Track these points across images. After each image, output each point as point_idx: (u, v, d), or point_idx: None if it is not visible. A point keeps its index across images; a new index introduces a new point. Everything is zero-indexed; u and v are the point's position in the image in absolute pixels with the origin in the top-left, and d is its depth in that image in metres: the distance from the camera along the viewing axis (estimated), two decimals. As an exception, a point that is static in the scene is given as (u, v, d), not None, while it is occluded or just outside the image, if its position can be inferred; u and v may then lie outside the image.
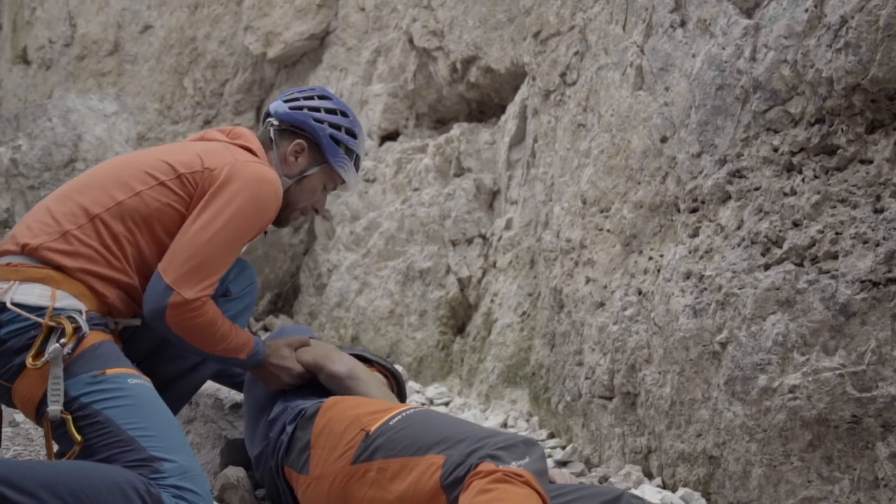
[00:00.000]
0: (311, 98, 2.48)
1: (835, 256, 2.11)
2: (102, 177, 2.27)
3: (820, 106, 2.18)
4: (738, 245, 2.31)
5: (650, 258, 2.60)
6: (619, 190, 2.74)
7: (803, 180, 2.22)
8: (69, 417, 2.02)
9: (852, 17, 2.10)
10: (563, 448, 2.77)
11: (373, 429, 1.92)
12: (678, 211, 2.52)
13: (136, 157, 2.32)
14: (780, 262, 2.22)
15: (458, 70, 4.11)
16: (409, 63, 4.48)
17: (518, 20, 3.85)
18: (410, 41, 4.40)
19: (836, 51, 2.14)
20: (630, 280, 2.64)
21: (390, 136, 4.58)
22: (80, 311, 2.13)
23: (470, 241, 3.82)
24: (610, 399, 2.66)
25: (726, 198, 2.38)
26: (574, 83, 3.20)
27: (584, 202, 2.89)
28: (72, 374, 2.07)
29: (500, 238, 3.64)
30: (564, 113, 3.21)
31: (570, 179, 3.05)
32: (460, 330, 3.83)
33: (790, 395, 2.10)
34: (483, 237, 3.79)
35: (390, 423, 1.91)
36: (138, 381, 2.11)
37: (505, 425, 3.03)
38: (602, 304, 2.74)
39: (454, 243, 3.86)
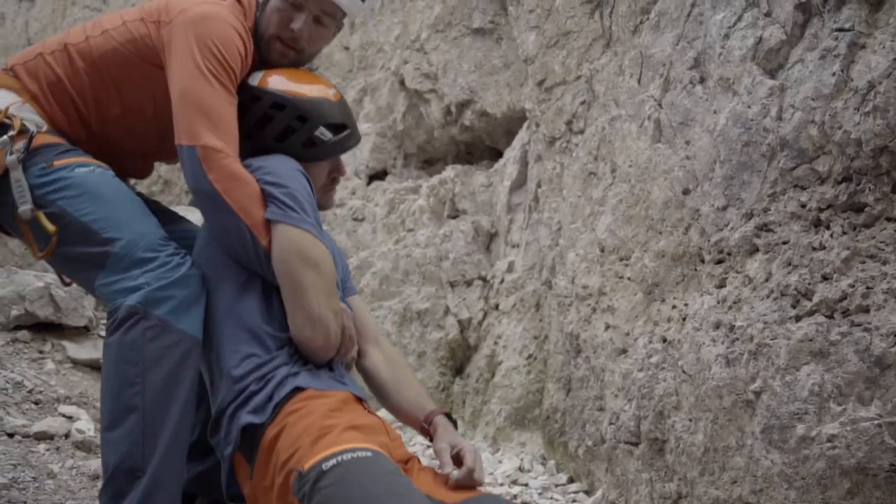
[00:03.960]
0: None
1: (867, 310, 2.21)
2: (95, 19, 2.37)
3: (847, 165, 2.29)
4: (768, 297, 2.40)
5: (674, 307, 2.68)
6: (640, 239, 2.82)
7: (832, 236, 2.32)
8: (39, 213, 2.06)
9: (880, 83, 2.22)
10: (587, 493, 2.82)
11: (305, 467, 1.89)
12: (702, 262, 2.61)
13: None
14: (810, 314, 2.31)
15: (453, 113, 4.17)
16: (397, 103, 4.52)
17: (515, 66, 3.93)
18: (401, 82, 4.45)
19: (864, 114, 2.25)
20: (654, 328, 2.71)
21: (378, 176, 4.61)
22: (35, 124, 2.18)
23: (469, 283, 3.86)
24: (636, 445, 2.72)
25: (754, 250, 2.47)
26: (582, 132, 3.28)
27: (602, 250, 2.96)
28: (24, 169, 2.11)
29: (501, 280, 3.69)
30: (572, 161, 3.29)
31: (582, 226, 3.12)
32: (459, 371, 3.86)
33: (829, 444, 2.18)
34: (483, 279, 3.84)
35: (322, 466, 1.88)
36: (87, 169, 2.15)
37: (521, 469, 3.08)
38: (624, 351, 2.80)
39: (453, 284, 3.91)
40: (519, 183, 3.78)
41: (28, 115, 2.19)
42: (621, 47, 3.09)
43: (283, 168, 2.20)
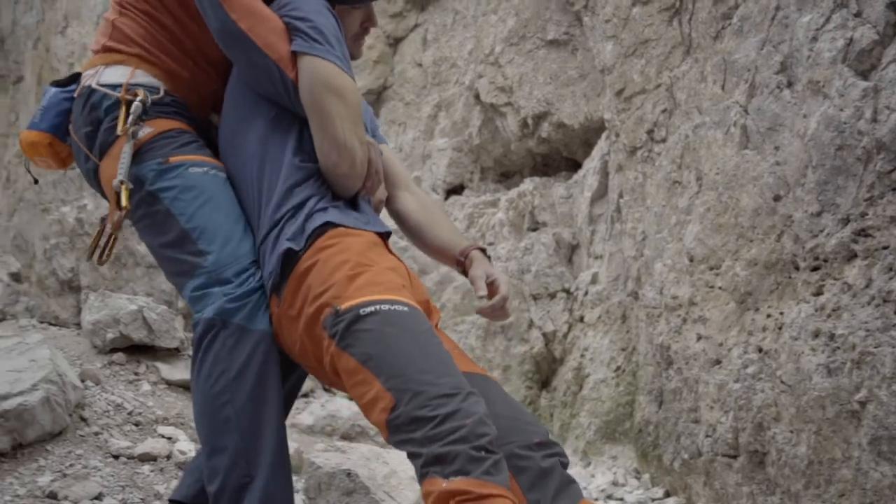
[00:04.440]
0: None
1: (975, 315, 2.15)
2: None
3: (948, 166, 2.23)
4: (869, 303, 2.34)
5: (768, 315, 2.63)
6: (730, 248, 2.78)
7: (934, 239, 2.26)
8: (124, 188, 2.12)
9: (981, 81, 2.16)
10: (686, 507, 2.78)
11: (343, 307, 1.93)
12: (797, 269, 2.56)
13: None
14: (916, 320, 2.25)
15: (529, 125, 4.17)
16: (472, 118, 4.54)
17: (591, 76, 3.91)
18: (476, 97, 4.47)
19: (964, 113, 2.19)
20: (748, 338, 2.66)
21: (455, 190, 4.63)
22: (157, 89, 2.24)
23: (553, 296, 3.85)
24: (735, 457, 2.67)
25: (852, 256, 2.41)
26: (664, 140, 3.25)
27: (690, 259, 2.92)
28: (141, 160, 2.17)
29: (586, 292, 3.67)
30: (655, 170, 3.26)
31: (669, 236, 3.09)
32: (545, 384, 3.85)
33: (942, 455, 2.12)
34: (566, 291, 3.82)
35: (360, 311, 1.91)
36: (200, 170, 2.18)
37: (615, 483, 3.05)
38: (718, 362, 2.76)
39: (536, 297, 3.89)
40: (600, 194, 3.76)
41: (145, 80, 2.25)
42: (702, 54, 3.05)
43: (307, 4, 2.21)
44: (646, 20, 3.37)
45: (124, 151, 2.15)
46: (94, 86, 2.24)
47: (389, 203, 2.39)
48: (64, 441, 2.88)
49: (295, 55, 2.14)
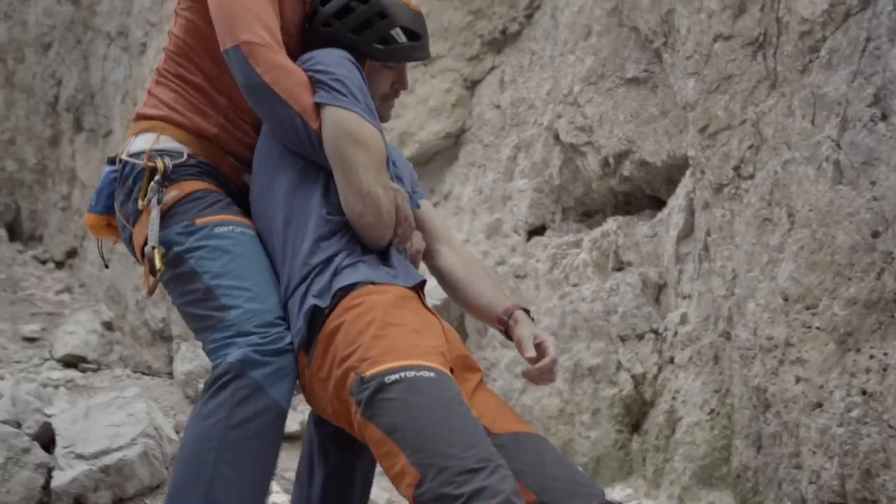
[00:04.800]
0: None
1: None
2: None
3: None
4: (981, 343, 2.25)
5: (871, 356, 2.54)
6: (827, 286, 2.70)
7: None
8: (157, 252, 2.12)
9: None
10: (791, 557, 2.69)
11: (367, 374, 1.89)
12: (900, 308, 2.47)
13: None
14: None
15: (611, 164, 4.14)
16: (552, 158, 4.52)
17: (673, 113, 3.87)
18: (555, 137, 4.45)
19: None
20: (851, 380, 2.57)
21: (537, 231, 4.61)
22: (180, 153, 2.27)
23: (641, 337, 3.79)
24: (842, 505, 2.58)
25: (959, 294, 2.32)
26: (751, 177, 3.19)
27: (785, 299, 2.85)
28: (167, 224, 2.19)
29: (675, 333, 3.60)
30: (744, 207, 3.19)
31: (760, 275, 3.01)
32: (636, 428, 3.78)
33: None
34: (655, 332, 3.76)
35: (385, 379, 1.87)
36: (226, 229, 2.19)
37: (715, 531, 2.97)
38: (819, 405, 2.67)
39: (623, 339, 3.84)
40: (686, 232, 3.70)
41: (168, 146, 2.30)
42: (789, 88, 2.99)
43: (329, 57, 2.24)
44: (728, 55, 3.33)
45: (152, 216, 2.18)
46: (123, 157, 2.31)
47: (429, 259, 2.36)
48: (162, 494, 2.93)
49: (318, 107, 2.16)
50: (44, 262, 8.66)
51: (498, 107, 4.99)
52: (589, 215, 4.49)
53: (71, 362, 5.19)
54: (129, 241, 2.33)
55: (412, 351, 1.93)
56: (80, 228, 8.38)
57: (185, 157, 2.28)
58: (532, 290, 4.39)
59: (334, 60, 2.23)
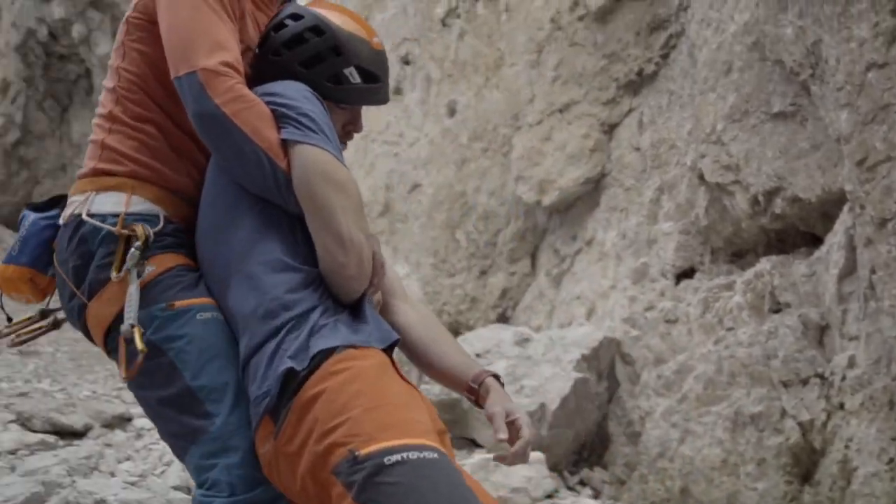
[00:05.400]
0: None
1: None
2: None
3: None
4: None
5: None
6: None
7: None
8: (137, 331, 1.90)
9: None
10: None
11: (362, 453, 1.70)
12: None
13: None
14: None
15: (761, 202, 4.00)
16: (698, 199, 4.41)
17: (825, 147, 3.71)
18: (700, 177, 4.35)
19: None
20: None
21: (685, 274, 4.49)
22: (156, 218, 2.04)
23: (805, 382, 3.61)
24: None
25: None
26: (918, 210, 3.02)
27: (967, 341, 2.66)
28: (146, 303, 1.97)
29: (843, 377, 3.42)
30: (911, 242, 3.02)
31: (936, 315, 2.83)
32: (806, 478, 3.59)
33: None
34: (820, 376, 3.58)
35: (385, 460, 1.68)
36: (208, 315, 1.98)
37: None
38: None
39: (786, 384, 3.67)
40: (848, 270, 3.52)
41: (142, 208, 2.07)
42: (954, 115, 2.83)
43: (293, 91, 2.03)
44: (884, 84, 3.18)
45: (131, 293, 1.95)
46: (84, 216, 2.05)
47: (386, 314, 2.13)
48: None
49: (286, 144, 1.94)
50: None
51: (638, 149, 4.91)
52: (739, 255, 4.35)
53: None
54: (78, 311, 2.08)
55: (412, 428, 1.76)
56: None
57: (161, 222, 2.05)
58: (684, 335, 4.27)
59: (299, 94, 2.03)
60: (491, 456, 4.13)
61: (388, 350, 1.94)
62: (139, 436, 5.14)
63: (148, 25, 2.09)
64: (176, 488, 3.22)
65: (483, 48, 5.95)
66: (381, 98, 2.22)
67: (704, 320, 4.18)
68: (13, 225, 10.57)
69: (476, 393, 2.01)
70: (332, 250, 1.91)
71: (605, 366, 4.63)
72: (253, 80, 2.09)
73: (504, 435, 1.91)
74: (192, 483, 3.30)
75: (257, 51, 2.18)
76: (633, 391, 4.53)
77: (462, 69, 6.09)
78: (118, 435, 5.06)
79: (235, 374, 1.95)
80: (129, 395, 5.86)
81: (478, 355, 4.75)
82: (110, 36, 10.20)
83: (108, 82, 2.16)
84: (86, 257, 2.04)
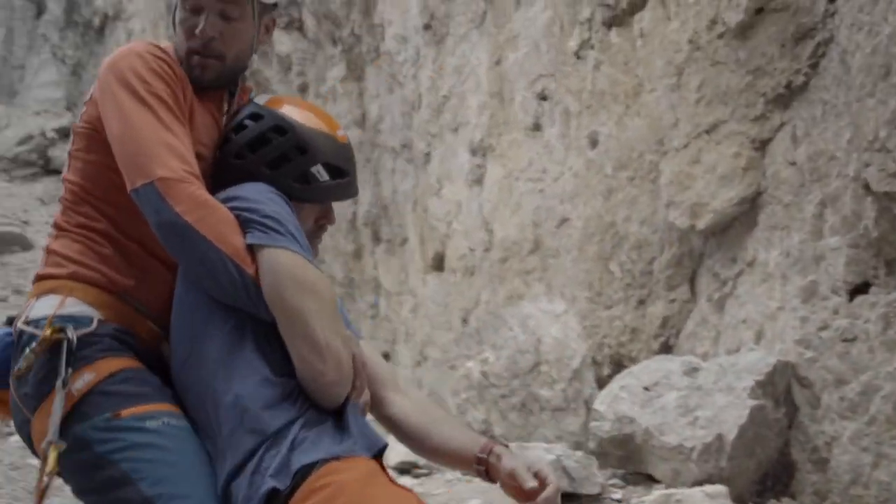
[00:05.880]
0: None
1: None
2: None
3: None
4: None
5: None
6: None
7: None
8: (53, 448, 1.79)
9: None
10: None
11: None
12: None
13: None
14: None
15: (936, 209, 3.80)
16: (865, 210, 4.22)
17: None
18: (865, 187, 4.16)
19: None
20: None
21: (859, 290, 4.29)
22: (89, 319, 1.95)
23: None
24: None
25: None
26: None
27: None
28: (84, 415, 1.87)
29: None
30: None
31: None
32: None
33: None
34: None
35: None
36: (159, 423, 1.87)
37: None
38: None
39: None
40: None
41: (75, 310, 1.98)
42: None
43: (256, 193, 2.00)
44: None
45: (55, 405, 1.85)
46: (19, 325, 2.00)
47: (377, 408, 2.08)
48: None
49: (252, 249, 1.91)
50: (360, 369, 9.24)
51: (794, 164, 4.75)
52: (917, 265, 4.13)
53: (404, 469, 5.45)
54: (27, 433, 1.99)
55: None
56: (390, 332, 8.91)
57: (94, 324, 1.96)
58: (865, 354, 4.07)
59: (262, 196, 1.99)
60: (670, 492, 4.05)
61: (377, 455, 1.89)
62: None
63: (93, 134, 2.08)
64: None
65: (620, 76, 5.91)
66: (350, 192, 2.23)
67: (886, 337, 3.97)
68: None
69: (486, 462, 1.97)
70: (309, 359, 1.85)
71: (782, 391, 4.47)
72: (215, 184, 2.07)
73: (533, 483, 1.88)
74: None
75: (218, 153, 2.15)
76: (814, 415, 4.34)
77: (601, 99, 6.06)
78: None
79: (200, 481, 1.86)
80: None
81: (646, 388, 4.67)
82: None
83: (61, 194, 2.15)
84: (28, 368, 1.95)
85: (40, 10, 15.82)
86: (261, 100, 2.22)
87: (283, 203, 2.02)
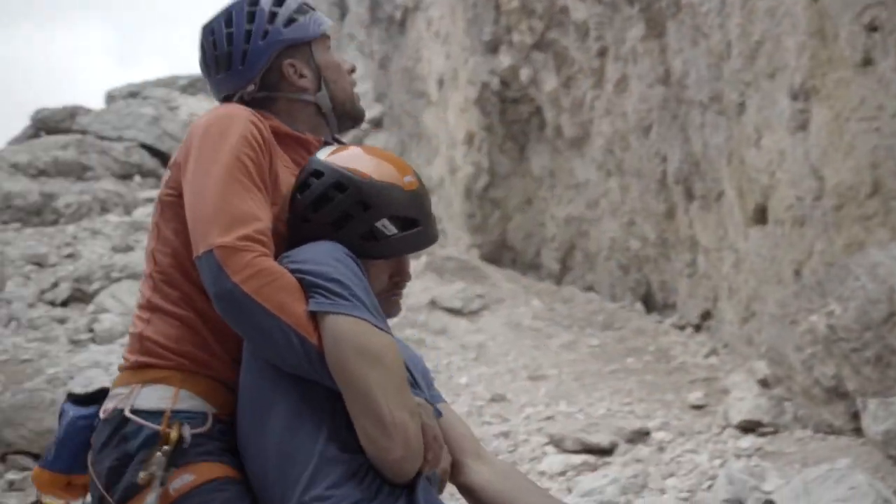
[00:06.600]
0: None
1: None
2: None
3: None
4: None
5: None
6: None
7: None
8: None
9: None
10: None
11: None
12: None
13: None
14: None
15: None
16: None
17: None
18: None
19: None
20: None
21: None
22: (203, 416, 1.90)
23: None
24: None
25: None
26: None
27: None
28: None
29: None
30: None
31: None
32: None
33: None
34: None
35: None
36: None
37: None
38: None
39: None
40: None
41: (190, 405, 1.93)
42: None
43: (321, 254, 1.86)
44: None
45: (149, 500, 1.81)
46: (127, 413, 1.91)
47: (456, 476, 1.95)
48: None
49: (315, 316, 1.80)
50: (682, 328, 9.13)
51: None
52: None
53: (749, 427, 5.33)
54: None
55: None
56: (710, 290, 8.70)
57: (209, 423, 1.91)
58: None
59: (328, 257, 1.87)
60: None
61: None
62: (661, 449, 5.33)
63: (180, 201, 1.99)
64: (726, 501, 3.27)
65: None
66: (424, 241, 2.05)
67: None
68: (494, 260, 11.60)
69: None
70: (373, 436, 1.77)
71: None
72: (290, 245, 2.01)
73: None
74: (742, 496, 3.33)
75: (289, 215, 2.07)
76: None
77: (942, 22, 5.50)
78: (642, 450, 5.28)
79: None
80: (642, 409, 6.11)
81: None
82: (555, 73, 10.82)
83: (146, 268, 2.07)
84: (123, 458, 1.90)
85: (343, 12, 16.99)
86: (324, 153, 2.11)
87: (351, 263, 1.93)
